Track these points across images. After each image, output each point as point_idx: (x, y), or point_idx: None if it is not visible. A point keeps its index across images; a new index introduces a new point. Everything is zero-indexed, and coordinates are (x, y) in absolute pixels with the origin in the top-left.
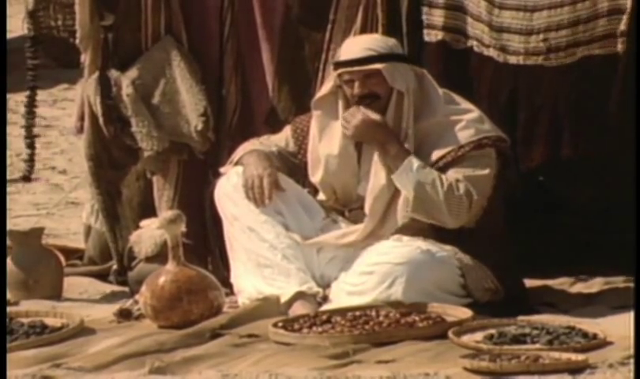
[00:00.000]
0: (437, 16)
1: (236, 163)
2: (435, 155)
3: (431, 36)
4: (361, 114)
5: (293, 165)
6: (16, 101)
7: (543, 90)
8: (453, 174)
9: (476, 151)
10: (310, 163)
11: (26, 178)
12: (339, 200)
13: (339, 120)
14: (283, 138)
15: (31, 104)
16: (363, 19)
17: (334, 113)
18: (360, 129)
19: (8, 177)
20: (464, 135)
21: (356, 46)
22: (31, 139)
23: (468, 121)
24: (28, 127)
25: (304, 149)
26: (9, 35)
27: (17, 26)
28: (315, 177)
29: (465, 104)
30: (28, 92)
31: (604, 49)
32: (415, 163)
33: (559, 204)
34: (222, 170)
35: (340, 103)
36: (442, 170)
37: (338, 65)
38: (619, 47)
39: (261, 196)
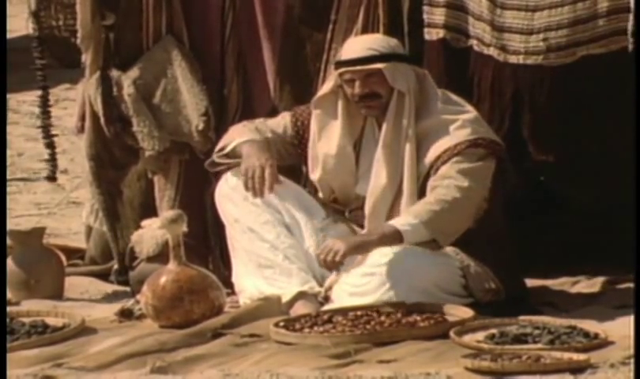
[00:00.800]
0: (438, 15)
1: (232, 151)
2: (432, 155)
3: (432, 34)
4: (337, 244)
5: (286, 152)
6: (17, 101)
7: (545, 89)
8: (447, 169)
9: (471, 150)
10: (309, 161)
11: (51, 178)
12: (337, 199)
13: (338, 119)
14: (281, 125)
15: (45, 104)
16: (365, 19)
17: (334, 112)
18: (349, 250)
19: (9, 176)
20: (460, 134)
21: (358, 45)
22: (49, 139)
23: (464, 121)
24: (45, 127)
25: (304, 144)
26: (10, 35)
27: (18, 26)
28: (314, 175)
29: (462, 105)
30: (40, 92)
31: (604, 48)
32: (399, 222)
33: (560, 204)
34: (214, 158)
35: (341, 103)
36: (440, 169)
37: (339, 64)
38: (630, 47)
39: (261, 186)
